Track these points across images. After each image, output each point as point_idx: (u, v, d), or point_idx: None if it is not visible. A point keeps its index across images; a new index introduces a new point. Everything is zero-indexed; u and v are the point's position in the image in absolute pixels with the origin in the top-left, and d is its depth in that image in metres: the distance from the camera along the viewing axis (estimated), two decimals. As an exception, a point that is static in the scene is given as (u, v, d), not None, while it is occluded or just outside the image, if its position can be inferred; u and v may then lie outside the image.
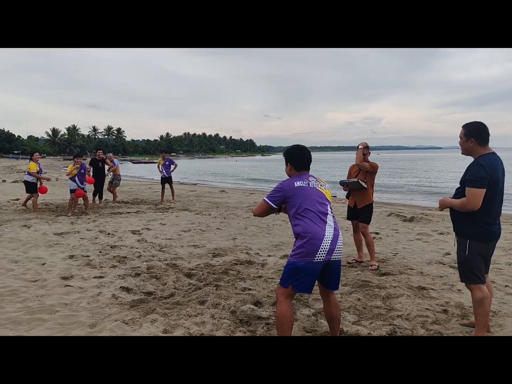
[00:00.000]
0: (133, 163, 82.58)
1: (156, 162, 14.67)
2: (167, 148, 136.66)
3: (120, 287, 4.51)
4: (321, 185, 3.07)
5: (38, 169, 10.37)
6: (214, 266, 5.39)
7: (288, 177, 3.16)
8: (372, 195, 5.61)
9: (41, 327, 3.48)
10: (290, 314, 2.93)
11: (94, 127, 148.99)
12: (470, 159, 3.22)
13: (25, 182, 10.44)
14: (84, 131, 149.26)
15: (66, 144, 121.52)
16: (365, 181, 5.49)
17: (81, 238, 7.05)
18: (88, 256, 5.83)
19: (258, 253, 6.18)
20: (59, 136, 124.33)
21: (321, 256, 2.82)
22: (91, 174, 11.48)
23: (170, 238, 7.20)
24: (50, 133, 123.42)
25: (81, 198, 10.10)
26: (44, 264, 5.40)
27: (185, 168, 53.92)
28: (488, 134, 3.15)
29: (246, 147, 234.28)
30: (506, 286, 4.59)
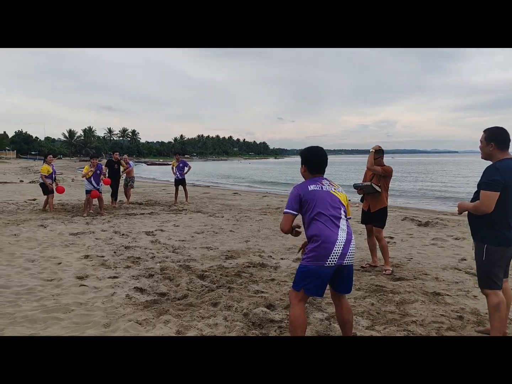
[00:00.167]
0: (147, 164, 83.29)
1: (170, 164, 14.75)
2: (181, 150, 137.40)
3: (134, 287, 4.56)
4: (334, 189, 3.04)
5: (51, 171, 10.49)
6: (227, 268, 5.40)
7: (303, 178, 3.15)
8: (387, 199, 5.55)
9: (56, 326, 3.53)
10: (303, 317, 2.92)
11: (109, 129, 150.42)
12: (488, 164, 3.19)
13: (41, 185, 10.56)
14: (100, 132, 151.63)
15: (82, 145, 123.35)
16: (379, 185, 5.44)
17: (96, 239, 7.14)
18: (102, 257, 5.91)
19: (271, 256, 6.18)
20: (75, 138, 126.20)
21: (333, 261, 2.81)
22: (107, 175, 11.63)
23: (183, 240, 7.24)
24: (67, 134, 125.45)
25: (96, 198, 10.23)
26: (59, 263, 5.49)
27: (199, 170, 54.13)
28: (509, 140, 3.15)
29: (259, 150, 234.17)
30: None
